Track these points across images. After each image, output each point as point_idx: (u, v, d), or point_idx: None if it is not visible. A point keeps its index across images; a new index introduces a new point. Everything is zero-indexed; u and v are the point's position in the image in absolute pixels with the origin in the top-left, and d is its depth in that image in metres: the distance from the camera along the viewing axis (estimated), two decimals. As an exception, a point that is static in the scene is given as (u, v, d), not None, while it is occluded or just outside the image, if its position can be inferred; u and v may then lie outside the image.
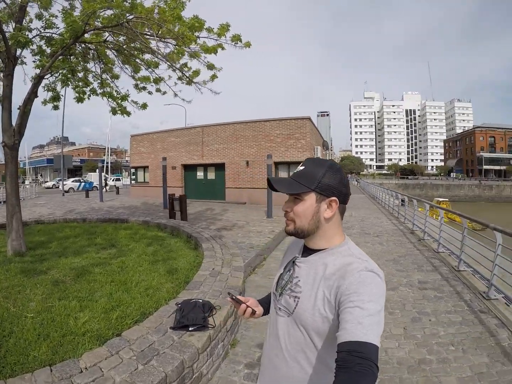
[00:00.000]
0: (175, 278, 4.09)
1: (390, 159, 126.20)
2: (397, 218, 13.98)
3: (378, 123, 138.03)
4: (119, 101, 6.58)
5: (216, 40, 5.12)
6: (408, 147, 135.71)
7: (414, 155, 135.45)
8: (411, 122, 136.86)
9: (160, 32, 5.04)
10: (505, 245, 5.04)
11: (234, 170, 18.50)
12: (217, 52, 5.30)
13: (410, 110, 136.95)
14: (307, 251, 1.32)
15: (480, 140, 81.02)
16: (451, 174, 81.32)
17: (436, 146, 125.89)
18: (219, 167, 19.16)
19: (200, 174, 20.08)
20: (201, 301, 2.94)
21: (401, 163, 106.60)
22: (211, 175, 19.73)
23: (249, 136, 18.14)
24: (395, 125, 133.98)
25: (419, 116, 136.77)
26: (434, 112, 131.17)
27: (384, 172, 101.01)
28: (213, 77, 5.70)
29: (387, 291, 3.78)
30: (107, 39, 5.55)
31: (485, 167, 76.32)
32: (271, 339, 1.38)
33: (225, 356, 3.12)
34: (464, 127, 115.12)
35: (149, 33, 5.24)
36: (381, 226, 11.98)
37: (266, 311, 1.54)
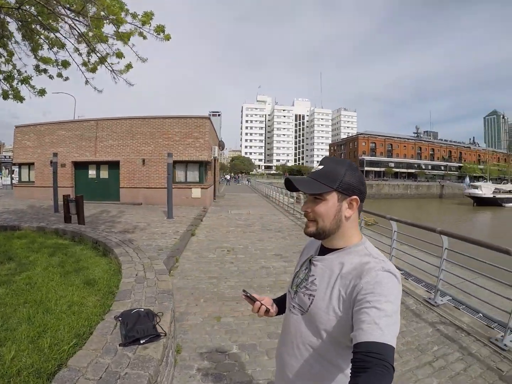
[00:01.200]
0: (96, 289, 3.60)
1: (278, 160, 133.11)
2: (293, 215, 14.61)
3: (269, 126, 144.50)
4: (17, 84, 5.58)
5: (140, 28, 4.67)
6: (295, 149, 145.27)
7: (301, 156, 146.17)
8: (300, 126, 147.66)
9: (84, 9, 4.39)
10: (400, 231, 5.99)
11: (130, 168, 17.17)
12: (129, 39, 4.81)
13: (300, 115, 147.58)
14: (324, 250, 1.29)
15: (362, 145, 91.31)
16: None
17: (322, 149, 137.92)
18: (113, 165, 17.48)
19: (92, 172, 17.96)
20: (142, 310, 2.64)
21: (289, 164, 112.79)
22: (105, 173, 17.85)
23: (146, 132, 17.10)
24: (284, 128, 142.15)
25: (307, 121, 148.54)
26: (321, 118, 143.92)
27: (272, 172, 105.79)
28: (128, 66, 5.19)
29: None
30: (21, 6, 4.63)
31: (366, 168, 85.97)
32: (283, 336, 1.38)
33: (175, 363, 2.94)
34: (349, 133, 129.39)
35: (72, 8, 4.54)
36: (280, 222, 12.46)
37: (281, 310, 1.50)
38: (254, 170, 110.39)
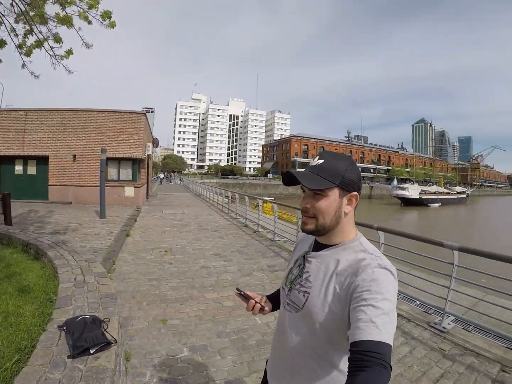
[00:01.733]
0: (33, 297, 3.23)
1: (211, 160, 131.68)
2: (228, 214, 14.70)
3: (202, 125, 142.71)
4: None
5: (87, 11, 4.31)
6: (228, 149, 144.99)
7: (234, 156, 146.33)
8: (234, 126, 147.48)
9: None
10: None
11: (59, 165, 15.67)
12: (72, 24, 4.44)
13: (234, 115, 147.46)
14: (319, 246, 1.27)
15: (295, 147, 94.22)
16: (268, 175, 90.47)
17: (254, 149, 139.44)
18: (42, 161, 15.78)
19: (19, 168, 15.94)
20: (88, 316, 2.41)
21: (221, 164, 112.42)
22: (32, 169, 16.01)
23: (78, 126, 15.75)
24: (218, 128, 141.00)
25: (241, 121, 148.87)
26: (256, 120, 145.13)
27: (205, 171, 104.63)
28: (69, 52, 4.78)
29: (244, 277, 4.72)
30: None
31: (298, 170, 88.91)
32: (278, 334, 1.35)
33: (126, 372, 2.76)
34: (282, 135, 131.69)
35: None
36: (216, 222, 12.45)
37: (275, 307, 1.47)
38: (187, 169, 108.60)
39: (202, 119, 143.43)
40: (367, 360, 0.86)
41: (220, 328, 3.77)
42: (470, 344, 3.63)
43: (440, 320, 4.14)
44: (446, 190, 69.43)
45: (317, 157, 1.22)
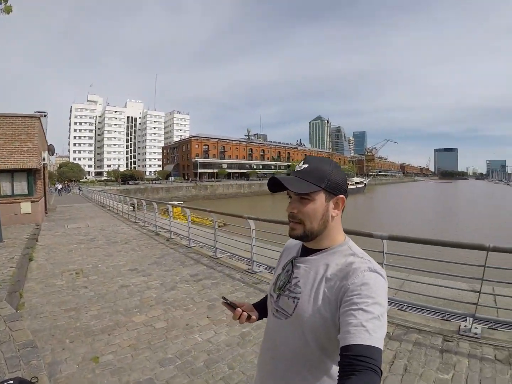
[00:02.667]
0: None
1: (109, 165, 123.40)
2: (136, 223, 13.95)
3: (99, 128, 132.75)
4: None
5: None
6: (127, 153, 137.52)
7: (133, 161, 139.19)
8: (132, 129, 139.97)
9: None
10: (258, 228, 6.42)
11: None
12: None
13: (132, 117, 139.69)
14: (307, 251, 1.24)
15: (196, 148, 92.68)
16: (170, 177, 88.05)
17: (154, 152, 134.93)
18: None
19: None
20: (12, 381, 1.92)
21: (121, 169, 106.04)
22: None
23: None
24: (115, 131, 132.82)
25: (140, 123, 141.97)
26: (154, 121, 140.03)
27: (104, 178, 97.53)
28: None
29: (168, 291, 4.59)
30: None
31: (200, 170, 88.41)
32: (266, 343, 1.30)
33: None
34: (181, 136, 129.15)
35: None
36: (124, 233, 11.72)
37: (262, 315, 1.43)
38: (84, 177, 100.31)
39: (99, 122, 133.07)
40: (358, 365, 0.85)
41: (160, 355, 3.45)
42: (410, 323, 3.98)
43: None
44: None
45: (302, 161, 1.20)
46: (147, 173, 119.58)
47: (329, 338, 1.07)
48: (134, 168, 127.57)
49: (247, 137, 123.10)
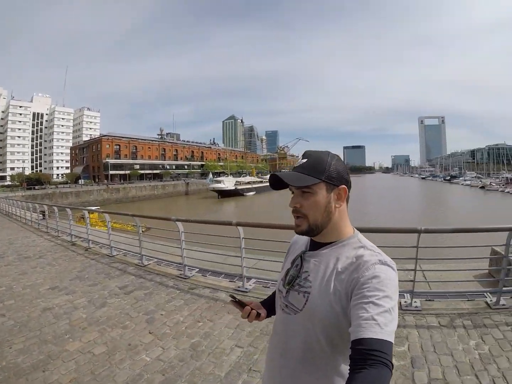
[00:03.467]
0: None
1: (13, 168, 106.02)
2: (48, 233, 12.70)
3: (1, 126, 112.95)
4: None
5: None
6: (32, 154, 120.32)
7: (39, 163, 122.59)
8: (38, 126, 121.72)
9: None
10: (186, 231, 6.35)
11: None
12: None
13: (39, 113, 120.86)
14: (315, 245, 1.23)
15: (106, 148, 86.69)
16: (79, 181, 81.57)
17: (62, 153, 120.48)
18: None
19: None
20: None
21: (26, 172, 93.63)
22: None
23: None
24: (20, 129, 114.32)
25: (46, 121, 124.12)
26: (62, 118, 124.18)
27: (7, 183, 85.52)
28: None
29: (99, 309, 4.43)
30: None
31: (111, 172, 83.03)
32: (276, 338, 1.28)
33: None
34: (91, 135, 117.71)
35: None
36: (37, 245, 10.49)
37: (270, 313, 1.41)
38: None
39: (1, 119, 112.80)
40: (369, 358, 0.85)
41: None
42: None
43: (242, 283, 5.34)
44: (259, 179, 77.33)
45: (302, 156, 1.20)
46: (55, 176, 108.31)
47: (340, 333, 1.06)
48: (41, 170, 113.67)
49: (160, 136, 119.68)
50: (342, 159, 1.20)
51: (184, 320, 4.42)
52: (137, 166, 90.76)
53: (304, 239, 1.31)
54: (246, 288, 5.36)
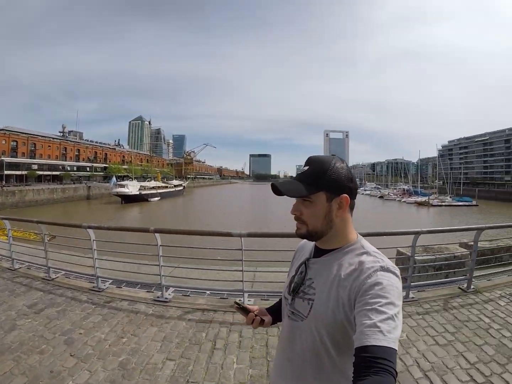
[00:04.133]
0: None
1: None
2: None
3: None
4: None
5: None
6: None
7: None
8: None
9: None
10: (98, 239, 5.92)
11: None
12: None
13: None
14: (319, 251, 1.24)
15: (2, 144, 74.87)
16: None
17: None
18: None
19: None
20: None
21: None
22: None
23: None
24: None
25: None
26: None
27: None
28: None
29: (7, 334, 4.03)
30: None
31: (6, 172, 71.85)
32: (283, 344, 1.29)
33: None
34: None
35: None
36: None
37: (276, 319, 1.41)
38: None
39: None
40: (372, 366, 0.85)
41: None
42: (197, 305, 4.92)
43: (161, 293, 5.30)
44: (164, 184, 76.05)
45: (305, 163, 1.19)
46: None
47: (346, 339, 1.07)
48: None
49: (61, 134, 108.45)
50: (345, 166, 1.17)
51: (106, 338, 4.11)
52: (35, 166, 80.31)
53: (309, 247, 1.32)
54: (166, 298, 5.21)
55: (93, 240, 5.75)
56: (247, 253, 5.21)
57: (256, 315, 1.34)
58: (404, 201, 70.54)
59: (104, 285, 5.83)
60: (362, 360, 0.87)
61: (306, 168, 1.16)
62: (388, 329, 0.90)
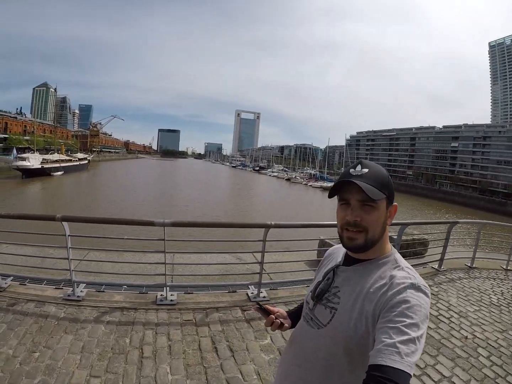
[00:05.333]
0: None
1: None
2: None
3: None
4: None
5: None
6: None
7: None
8: None
9: None
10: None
11: None
12: None
13: None
14: (350, 260, 1.15)
15: None
16: None
17: None
18: None
19: None
20: None
21: None
22: None
23: None
24: None
25: None
26: None
27: None
28: None
29: None
30: None
31: None
32: (293, 347, 1.22)
33: None
34: None
35: None
36: None
37: (295, 324, 1.32)
38: None
39: None
40: None
41: None
42: (115, 303, 4.00)
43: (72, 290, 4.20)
44: (68, 158, 68.73)
45: (359, 165, 1.08)
46: None
47: (361, 354, 0.99)
48: None
49: None
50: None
51: (15, 354, 3.04)
52: None
53: (340, 253, 1.23)
54: (78, 296, 4.10)
55: (68, 235, 4.62)
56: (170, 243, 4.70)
57: (276, 318, 1.25)
58: (311, 185, 70.71)
59: (5, 283, 4.82)
60: (372, 379, 0.81)
61: (366, 170, 1.05)
62: (407, 352, 0.83)
